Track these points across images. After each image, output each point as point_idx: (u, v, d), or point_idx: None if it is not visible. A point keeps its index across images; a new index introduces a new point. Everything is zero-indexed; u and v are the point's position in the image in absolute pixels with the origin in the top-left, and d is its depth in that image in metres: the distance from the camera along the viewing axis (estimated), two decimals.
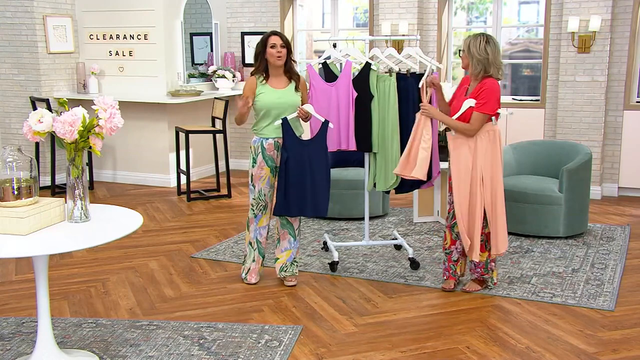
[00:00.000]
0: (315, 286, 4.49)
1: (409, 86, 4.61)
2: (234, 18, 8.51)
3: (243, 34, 8.43)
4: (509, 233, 5.52)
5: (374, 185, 4.79)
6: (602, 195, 7.02)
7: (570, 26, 6.71)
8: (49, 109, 6.23)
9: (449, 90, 5.68)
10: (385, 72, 4.69)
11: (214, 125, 7.30)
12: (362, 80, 4.63)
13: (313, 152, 4.29)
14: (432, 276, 4.64)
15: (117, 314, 4.05)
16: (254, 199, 4.42)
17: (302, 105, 4.32)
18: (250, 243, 4.49)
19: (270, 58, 4.26)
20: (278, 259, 4.51)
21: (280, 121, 4.25)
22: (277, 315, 4.01)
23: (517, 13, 8.54)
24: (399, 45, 7.15)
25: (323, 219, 6.11)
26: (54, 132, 3.10)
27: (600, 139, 6.87)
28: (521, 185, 5.51)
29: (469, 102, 4.11)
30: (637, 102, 6.99)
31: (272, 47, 4.24)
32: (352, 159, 6.15)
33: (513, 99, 7.59)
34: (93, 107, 3.19)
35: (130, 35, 7.63)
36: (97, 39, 7.79)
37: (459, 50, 4.31)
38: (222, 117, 6.90)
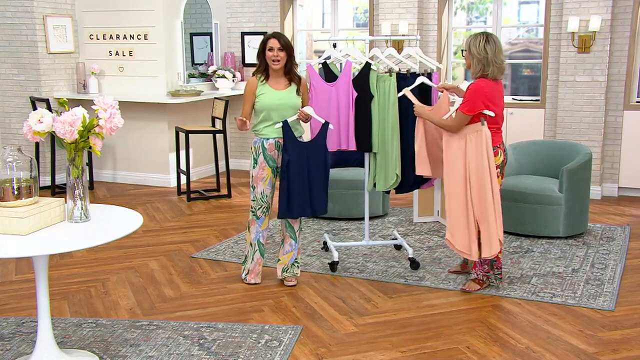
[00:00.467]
0: (315, 286, 4.49)
1: (408, 86, 4.61)
2: (234, 18, 8.51)
3: (243, 34, 8.43)
4: (510, 233, 5.56)
5: (374, 185, 4.79)
6: (602, 195, 7.03)
7: (570, 26, 6.71)
8: (49, 109, 6.23)
9: None
10: (385, 72, 4.69)
11: (214, 125, 7.30)
12: (362, 80, 4.63)
13: (313, 153, 4.30)
14: (432, 276, 4.64)
15: (117, 314, 4.05)
16: (254, 200, 4.41)
17: (302, 107, 4.33)
18: (251, 244, 4.49)
19: (267, 60, 4.27)
20: (280, 260, 4.51)
21: (281, 124, 4.25)
22: (277, 315, 4.01)
23: (517, 13, 8.54)
24: (399, 45, 7.15)
25: (323, 219, 6.11)
26: (54, 132, 3.10)
27: (600, 139, 6.87)
28: (521, 185, 5.51)
29: (460, 101, 4.21)
30: (637, 102, 6.99)
31: (269, 50, 4.24)
32: (352, 159, 6.14)
33: (513, 99, 7.59)
34: (93, 107, 3.19)
35: (130, 35, 7.63)
36: (97, 39, 7.79)
37: (462, 50, 4.32)
38: (222, 117, 6.90)
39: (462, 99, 4.33)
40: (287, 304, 4.19)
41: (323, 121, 4.36)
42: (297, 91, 4.34)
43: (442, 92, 4.48)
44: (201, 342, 3.61)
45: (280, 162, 4.34)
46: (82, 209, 3.16)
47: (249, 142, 4.70)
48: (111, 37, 7.72)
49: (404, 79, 4.63)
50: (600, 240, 5.46)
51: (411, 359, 3.46)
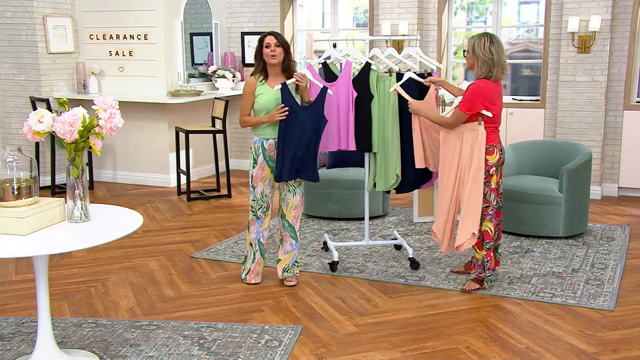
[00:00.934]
0: (315, 286, 4.49)
1: (408, 86, 4.61)
2: (234, 18, 8.51)
3: (243, 34, 8.43)
4: (510, 233, 5.57)
5: (374, 185, 4.79)
6: (602, 195, 7.02)
7: (570, 26, 6.71)
8: (49, 109, 6.23)
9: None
10: (385, 72, 4.69)
11: (214, 125, 7.30)
12: (362, 80, 4.64)
13: (309, 118, 4.27)
14: (432, 276, 4.64)
15: (117, 314, 4.05)
16: (254, 200, 4.41)
17: (302, 103, 4.33)
18: (251, 244, 4.49)
19: (265, 57, 4.27)
20: (280, 260, 4.51)
21: (280, 85, 4.24)
22: (277, 315, 4.01)
23: (517, 13, 8.53)
24: (399, 45, 7.14)
25: (323, 219, 6.11)
26: (54, 132, 3.10)
27: (600, 139, 6.87)
28: (521, 185, 5.51)
29: (459, 99, 4.28)
30: (637, 102, 6.99)
31: (266, 47, 4.26)
32: (352, 159, 6.15)
33: (513, 99, 7.59)
34: (93, 107, 3.19)
35: (130, 35, 7.63)
36: (97, 39, 7.79)
37: (464, 51, 4.33)
38: (222, 117, 6.90)
39: (456, 96, 4.41)
40: (287, 304, 4.19)
41: (321, 85, 4.36)
42: (296, 89, 4.34)
43: (428, 85, 4.55)
44: (201, 342, 3.61)
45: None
46: (82, 209, 3.16)
47: (249, 142, 4.69)
48: (111, 37, 7.72)
49: (401, 79, 4.63)
50: (600, 240, 5.46)
51: (411, 359, 3.46)
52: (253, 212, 4.43)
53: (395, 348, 3.57)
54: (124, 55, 7.72)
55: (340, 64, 4.81)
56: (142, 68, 7.63)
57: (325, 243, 5.19)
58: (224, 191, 7.15)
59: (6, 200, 3.02)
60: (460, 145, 4.23)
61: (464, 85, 4.40)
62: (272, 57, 4.25)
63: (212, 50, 8.39)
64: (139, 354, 3.49)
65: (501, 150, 4.33)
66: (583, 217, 5.55)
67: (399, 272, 4.73)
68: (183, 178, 7.26)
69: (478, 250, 4.32)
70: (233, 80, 8.06)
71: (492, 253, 4.33)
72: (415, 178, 4.72)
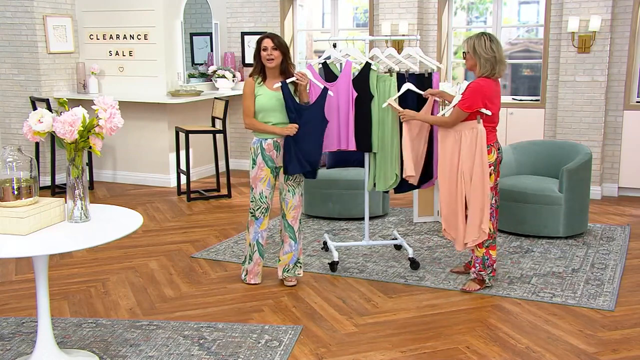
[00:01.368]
0: (315, 286, 4.49)
1: (406, 96, 4.62)
2: (234, 18, 8.51)
3: (243, 34, 8.43)
4: (510, 233, 5.57)
5: (374, 185, 4.79)
6: (602, 195, 7.02)
7: (570, 26, 6.71)
8: (49, 109, 6.23)
9: (449, 90, 5.69)
10: (386, 72, 4.69)
11: (214, 125, 7.30)
12: (362, 80, 4.64)
13: (309, 118, 4.28)
14: (432, 276, 4.64)
15: (117, 314, 4.05)
16: (253, 201, 4.41)
17: (300, 102, 4.33)
18: (250, 244, 4.48)
19: (262, 60, 4.27)
20: (280, 260, 4.51)
21: (280, 84, 4.24)
22: (277, 315, 4.01)
23: (517, 13, 8.53)
24: (399, 45, 7.14)
25: (323, 219, 6.11)
26: (54, 132, 3.10)
27: (600, 139, 6.87)
28: (521, 185, 5.51)
29: (457, 98, 4.27)
30: (637, 102, 6.99)
31: (263, 49, 4.25)
32: (352, 159, 6.15)
33: (513, 99, 7.60)
34: (93, 107, 3.19)
35: (130, 35, 7.63)
36: (97, 39, 7.79)
37: (463, 52, 4.31)
38: (222, 117, 6.90)
39: (450, 99, 4.43)
40: (287, 304, 4.19)
41: (322, 86, 4.36)
42: (295, 89, 4.34)
43: (427, 97, 4.59)
44: (201, 342, 3.61)
45: (278, 162, 4.34)
46: (82, 209, 3.16)
47: (249, 142, 4.70)
48: (111, 37, 7.72)
49: (403, 79, 4.64)
50: (600, 240, 5.46)
51: (411, 359, 3.46)
52: (252, 213, 4.43)
53: (395, 348, 3.57)
54: (124, 55, 7.72)
55: (340, 64, 4.81)
56: (142, 68, 7.62)
57: (325, 243, 5.19)
58: (224, 191, 7.15)
59: (6, 200, 3.02)
60: (459, 144, 4.24)
61: (464, 85, 4.40)
62: (268, 60, 4.25)
63: (212, 50, 8.39)
64: (139, 354, 3.49)
65: (498, 150, 4.34)
66: (583, 217, 5.55)
67: (399, 272, 4.73)
68: (183, 178, 7.26)
69: (478, 248, 4.33)
70: (233, 80, 8.06)
71: (491, 251, 4.33)
72: None
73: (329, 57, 4.80)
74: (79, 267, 4.92)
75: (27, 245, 2.88)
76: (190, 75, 8.05)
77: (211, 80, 8.12)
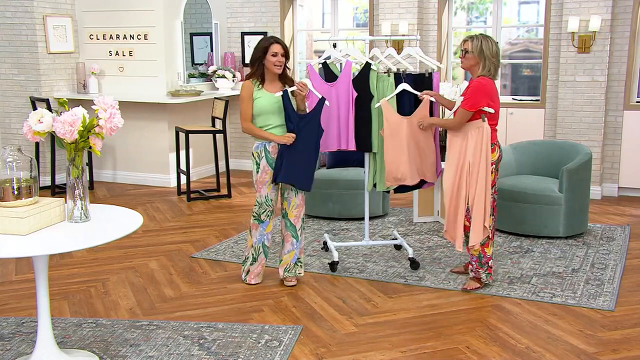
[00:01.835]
0: (315, 286, 4.49)
1: (402, 96, 4.63)
2: (234, 18, 8.51)
3: (243, 34, 8.43)
4: (510, 233, 5.57)
5: (374, 185, 4.80)
6: (602, 195, 7.02)
7: (570, 26, 6.71)
8: (49, 109, 6.23)
9: (449, 90, 5.70)
10: (384, 73, 4.69)
11: (214, 125, 7.30)
12: (362, 80, 4.64)
13: (305, 127, 4.29)
14: (432, 276, 4.64)
15: (117, 314, 4.05)
16: (257, 204, 4.39)
17: (297, 110, 4.33)
18: (253, 246, 4.47)
19: (269, 65, 4.25)
20: (282, 260, 4.51)
21: (281, 93, 4.25)
22: (277, 315, 4.01)
23: (517, 13, 8.53)
24: (399, 45, 7.14)
25: (323, 219, 6.11)
26: (54, 132, 3.10)
27: (600, 139, 6.87)
28: (521, 185, 5.51)
29: (460, 100, 4.29)
30: (637, 102, 6.99)
31: (273, 55, 4.23)
32: (352, 159, 6.15)
33: (513, 99, 7.59)
34: (93, 107, 3.19)
35: (130, 35, 7.63)
36: (97, 39, 7.79)
37: (463, 51, 4.29)
38: (222, 117, 6.90)
39: (450, 109, 4.43)
40: (287, 304, 4.19)
41: (320, 96, 4.37)
42: (292, 93, 4.34)
43: (422, 99, 4.60)
44: (201, 342, 3.61)
45: None
46: (82, 209, 3.16)
47: (249, 142, 4.70)
48: (111, 37, 7.72)
49: (399, 79, 4.65)
50: (600, 240, 5.46)
51: (411, 359, 3.46)
52: (256, 216, 4.42)
53: (395, 348, 3.57)
54: (124, 55, 7.72)
55: (340, 64, 4.81)
56: (142, 68, 7.63)
57: (325, 243, 5.19)
58: (224, 191, 7.15)
59: (6, 200, 3.02)
60: (465, 144, 4.26)
61: (464, 86, 4.42)
62: (278, 67, 4.24)
63: (212, 50, 8.39)
64: (139, 354, 3.49)
65: (499, 148, 4.37)
66: (583, 217, 5.55)
67: (399, 272, 4.73)
68: (183, 178, 7.26)
69: (475, 247, 4.35)
70: (233, 80, 8.06)
71: (485, 249, 4.35)
72: None
73: (329, 57, 4.81)
74: (79, 267, 4.92)
75: (27, 245, 2.88)
76: (190, 75, 8.05)
77: (211, 80, 8.12)
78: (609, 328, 3.81)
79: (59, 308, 4.12)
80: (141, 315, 4.03)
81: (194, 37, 8.43)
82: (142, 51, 7.60)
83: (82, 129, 3.11)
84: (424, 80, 4.69)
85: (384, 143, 4.59)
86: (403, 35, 7.20)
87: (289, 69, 4.41)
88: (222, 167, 7.33)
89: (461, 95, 4.32)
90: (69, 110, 3.11)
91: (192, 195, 6.97)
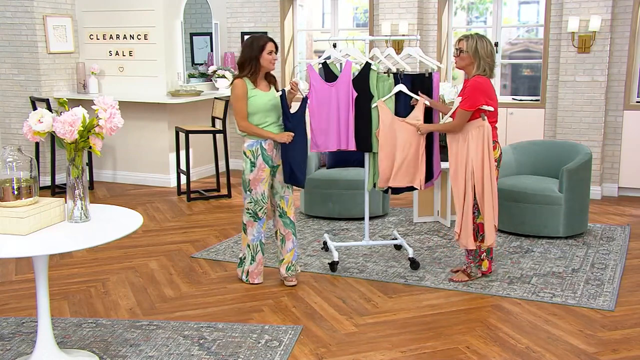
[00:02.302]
0: (315, 286, 4.49)
1: (398, 97, 4.63)
2: (234, 18, 8.51)
3: (243, 34, 8.43)
4: (510, 233, 5.57)
5: (374, 185, 4.80)
6: (602, 195, 7.02)
7: (570, 26, 6.71)
8: (49, 109, 6.23)
9: (449, 90, 5.69)
10: (384, 73, 4.70)
11: (214, 125, 7.30)
12: (362, 80, 4.64)
13: (294, 125, 4.34)
14: (432, 276, 4.64)
15: (117, 314, 4.05)
16: (252, 202, 4.38)
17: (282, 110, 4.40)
18: (249, 245, 4.48)
19: (265, 63, 4.27)
20: (284, 259, 4.50)
21: (281, 92, 4.31)
22: (277, 315, 4.01)
23: (517, 13, 8.53)
24: (399, 45, 7.14)
25: (323, 219, 6.11)
26: (54, 132, 3.10)
27: (600, 139, 6.87)
28: (521, 185, 5.51)
29: (458, 100, 4.29)
30: (637, 102, 6.99)
31: (269, 53, 4.26)
32: (352, 159, 6.15)
33: (513, 99, 7.59)
34: (93, 107, 3.19)
35: (130, 35, 7.63)
36: (97, 39, 7.79)
37: (458, 50, 4.31)
38: (222, 117, 6.90)
39: (445, 114, 4.44)
40: (287, 304, 4.19)
41: (304, 95, 4.47)
42: (277, 90, 4.40)
43: (414, 104, 4.61)
44: (201, 342, 3.61)
45: (277, 161, 4.38)
46: (82, 209, 3.16)
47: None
48: (111, 37, 7.72)
49: (397, 79, 4.65)
50: (600, 240, 5.46)
51: (411, 359, 3.46)
52: (251, 214, 4.42)
53: (395, 348, 3.57)
54: (124, 55, 7.72)
55: (340, 64, 4.81)
56: (142, 68, 7.63)
57: (325, 243, 5.19)
58: (224, 191, 7.15)
59: (6, 200, 3.02)
60: (466, 145, 4.27)
61: (456, 103, 4.44)
62: (273, 63, 4.30)
63: (212, 50, 8.39)
64: (139, 354, 3.49)
65: (500, 146, 4.40)
66: (583, 217, 5.54)
67: (399, 272, 4.73)
68: (183, 178, 7.26)
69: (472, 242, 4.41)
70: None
71: (481, 243, 4.40)
72: None
73: (329, 57, 4.80)
74: (79, 267, 4.92)
75: (27, 245, 2.88)
76: (190, 75, 8.05)
77: (211, 80, 8.12)
78: (609, 328, 3.81)
79: (59, 308, 4.12)
80: (141, 315, 4.03)
81: (194, 37, 8.43)
82: (142, 51, 7.60)
83: (82, 129, 3.11)
84: (423, 81, 4.69)
85: (379, 143, 4.61)
86: (403, 35, 7.20)
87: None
88: (222, 167, 7.33)
89: (458, 96, 4.32)
90: (69, 110, 3.11)
91: (192, 195, 6.97)
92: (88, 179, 6.42)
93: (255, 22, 8.41)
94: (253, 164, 4.34)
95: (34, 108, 7.05)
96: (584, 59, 6.78)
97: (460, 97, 4.28)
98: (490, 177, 4.27)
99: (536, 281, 4.53)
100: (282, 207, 4.46)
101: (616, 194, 7.08)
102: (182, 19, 7.73)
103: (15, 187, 3.04)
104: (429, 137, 4.66)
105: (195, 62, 8.48)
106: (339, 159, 6.22)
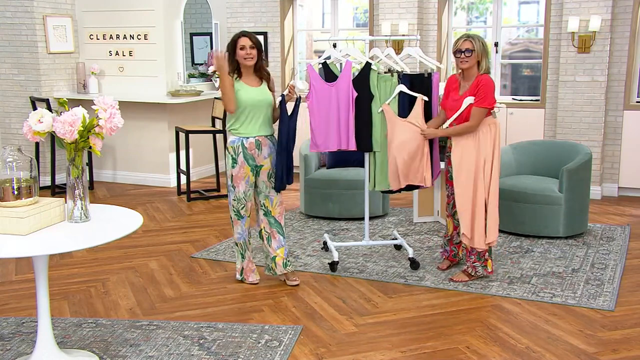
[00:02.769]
0: (315, 286, 4.49)
1: (398, 97, 4.63)
2: (234, 18, 8.51)
3: None
4: (510, 233, 5.57)
5: (374, 185, 4.79)
6: (602, 195, 7.02)
7: (570, 26, 6.71)
8: (49, 109, 6.23)
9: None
10: (386, 72, 4.69)
11: (214, 125, 7.30)
12: (362, 80, 4.64)
13: (292, 126, 4.35)
14: (432, 276, 4.64)
15: (117, 314, 4.05)
16: (235, 200, 4.37)
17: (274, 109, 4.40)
18: (237, 244, 4.48)
19: (239, 59, 4.26)
20: (276, 256, 4.49)
21: (280, 98, 4.32)
22: (277, 315, 4.01)
23: (517, 13, 8.53)
24: (399, 45, 7.14)
25: (323, 219, 6.11)
26: (54, 132, 3.10)
27: (600, 139, 6.87)
28: (521, 185, 5.51)
29: (469, 100, 4.27)
30: (637, 102, 6.99)
31: (241, 49, 4.24)
32: (352, 159, 6.15)
33: (513, 99, 7.59)
34: (93, 107, 3.19)
35: (130, 35, 7.63)
36: (97, 39, 7.79)
37: (466, 51, 4.27)
38: (222, 117, 6.90)
39: (464, 97, 4.42)
40: (287, 304, 4.19)
41: (297, 96, 4.47)
42: (269, 88, 4.37)
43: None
44: (201, 342, 3.61)
45: (259, 161, 4.34)
46: (82, 209, 3.16)
47: None
48: (111, 37, 7.73)
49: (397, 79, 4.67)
50: (600, 240, 5.46)
51: (411, 359, 3.46)
52: (235, 211, 4.40)
53: (395, 348, 3.57)
54: (124, 55, 7.72)
55: (340, 64, 4.81)
56: (142, 68, 7.63)
57: (325, 243, 5.19)
58: (224, 191, 7.14)
59: (6, 200, 3.02)
60: (477, 143, 4.29)
61: (466, 102, 4.41)
62: (247, 59, 4.25)
63: (212, 50, 8.39)
64: (139, 354, 3.49)
65: None
66: (583, 217, 5.55)
67: (399, 272, 4.73)
68: (183, 178, 7.26)
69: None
70: None
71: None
72: None
73: (329, 57, 4.80)
74: (79, 267, 4.92)
75: (27, 245, 2.88)
76: (190, 75, 8.05)
77: (211, 80, 8.11)
78: (609, 328, 3.81)
79: (59, 308, 4.12)
80: (141, 315, 4.03)
81: (194, 37, 8.43)
82: (142, 51, 7.60)
83: (82, 129, 3.11)
84: (423, 81, 4.69)
85: (387, 145, 4.61)
86: (403, 35, 7.20)
87: (266, 61, 4.43)
88: (222, 167, 7.32)
89: (466, 97, 4.27)
90: (69, 110, 3.11)
91: (192, 195, 6.97)
92: (88, 179, 6.43)
93: (255, 22, 8.41)
94: (235, 160, 4.31)
95: (34, 108, 7.05)
96: (584, 59, 6.78)
97: (470, 97, 4.24)
98: (497, 176, 4.33)
99: (536, 281, 4.53)
100: (267, 206, 4.43)
101: (616, 194, 7.08)
102: (182, 19, 7.74)
103: (15, 187, 3.04)
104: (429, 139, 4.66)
105: (195, 62, 8.48)
106: (339, 159, 6.22)
